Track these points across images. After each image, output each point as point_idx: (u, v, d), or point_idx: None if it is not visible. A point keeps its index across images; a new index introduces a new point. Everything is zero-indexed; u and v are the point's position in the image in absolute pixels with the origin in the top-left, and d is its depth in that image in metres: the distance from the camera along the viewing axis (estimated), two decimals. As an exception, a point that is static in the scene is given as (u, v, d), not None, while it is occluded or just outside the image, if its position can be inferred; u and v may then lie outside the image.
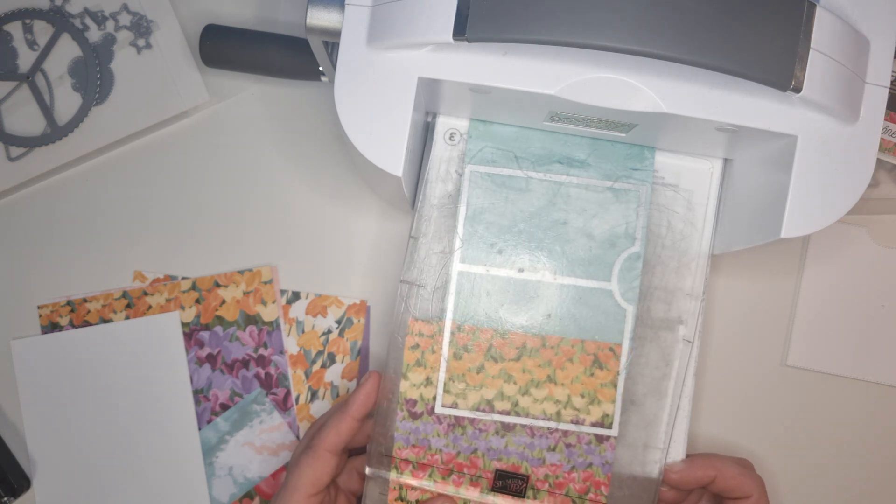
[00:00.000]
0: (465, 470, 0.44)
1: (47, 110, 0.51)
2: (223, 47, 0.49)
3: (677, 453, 0.45)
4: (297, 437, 0.50)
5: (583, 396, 0.44)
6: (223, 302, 0.51)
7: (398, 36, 0.37)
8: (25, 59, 0.51)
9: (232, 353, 0.51)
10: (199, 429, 0.50)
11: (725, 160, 0.46)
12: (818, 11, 0.35)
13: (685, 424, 0.45)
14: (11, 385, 0.51)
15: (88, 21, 0.52)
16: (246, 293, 0.51)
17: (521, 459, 0.44)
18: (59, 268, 0.52)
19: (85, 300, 0.51)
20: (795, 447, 0.51)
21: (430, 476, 0.44)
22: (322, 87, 0.53)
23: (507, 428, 0.44)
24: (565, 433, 0.44)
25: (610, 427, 0.44)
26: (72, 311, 0.51)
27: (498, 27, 0.34)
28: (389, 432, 0.44)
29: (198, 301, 0.51)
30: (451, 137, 0.46)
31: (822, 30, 0.35)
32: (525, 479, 0.44)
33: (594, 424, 0.44)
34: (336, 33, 0.39)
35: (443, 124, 0.45)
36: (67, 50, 0.52)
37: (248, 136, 0.53)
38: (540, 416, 0.44)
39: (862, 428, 0.51)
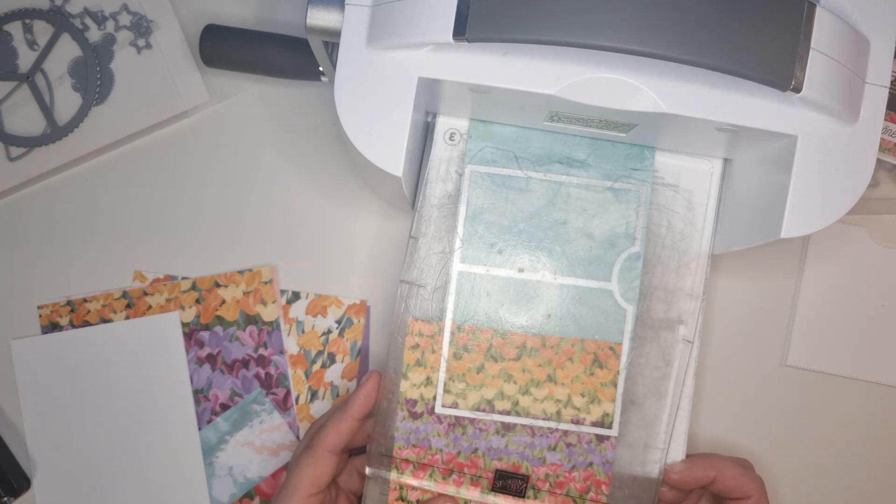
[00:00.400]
0: (466, 470, 0.44)
1: (47, 110, 0.51)
2: (223, 47, 0.49)
3: (677, 453, 0.45)
4: (297, 437, 0.50)
5: (583, 396, 0.44)
6: (223, 302, 0.51)
7: (398, 36, 0.37)
8: (25, 59, 0.51)
9: (232, 353, 0.51)
10: (199, 429, 0.50)
11: (725, 160, 0.46)
12: (818, 11, 0.35)
13: (685, 424, 0.45)
14: (11, 385, 0.51)
15: (88, 21, 0.52)
16: (246, 293, 0.51)
17: (521, 459, 0.44)
18: (59, 268, 0.52)
19: (85, 300, 0.51)
20: (795, 447, 0.51)
21: (430, 476, 0.44)
22: (322, 87, 0.53)
23: (508, 428, 0.44)
24: (565, 433, 0.44)
25: (610, 427, 0.44)
26: (72, 311, 0.51)
27: (498, 27, 0.34)
28: (390, 432, 0.44)
29: (198, 301, 0.51)
30: (451, 137, 0.46)
31: (822, 30, 0.35)
32: (525, 478, 0.44)
33: (594, 424, 0.44)
34: (336, 33, 0.39)
35: (443, 124, 0.45)
36: (67, 50, 0.52)
37: (248, 136, 0.53)
38: (540, 416, 0.44)
39: (862, 428, 0.51)
